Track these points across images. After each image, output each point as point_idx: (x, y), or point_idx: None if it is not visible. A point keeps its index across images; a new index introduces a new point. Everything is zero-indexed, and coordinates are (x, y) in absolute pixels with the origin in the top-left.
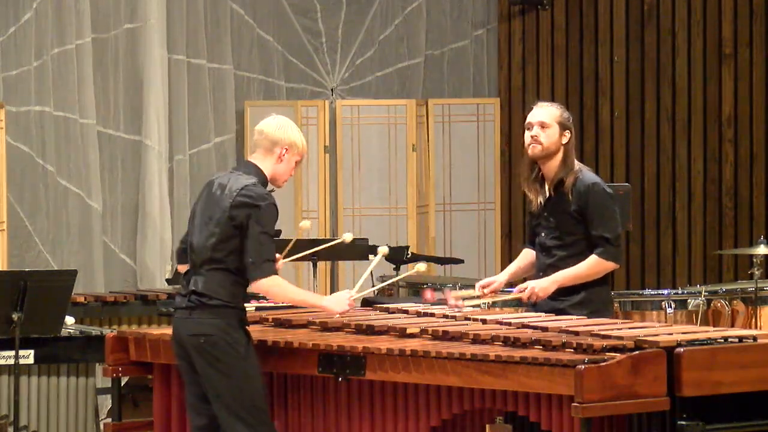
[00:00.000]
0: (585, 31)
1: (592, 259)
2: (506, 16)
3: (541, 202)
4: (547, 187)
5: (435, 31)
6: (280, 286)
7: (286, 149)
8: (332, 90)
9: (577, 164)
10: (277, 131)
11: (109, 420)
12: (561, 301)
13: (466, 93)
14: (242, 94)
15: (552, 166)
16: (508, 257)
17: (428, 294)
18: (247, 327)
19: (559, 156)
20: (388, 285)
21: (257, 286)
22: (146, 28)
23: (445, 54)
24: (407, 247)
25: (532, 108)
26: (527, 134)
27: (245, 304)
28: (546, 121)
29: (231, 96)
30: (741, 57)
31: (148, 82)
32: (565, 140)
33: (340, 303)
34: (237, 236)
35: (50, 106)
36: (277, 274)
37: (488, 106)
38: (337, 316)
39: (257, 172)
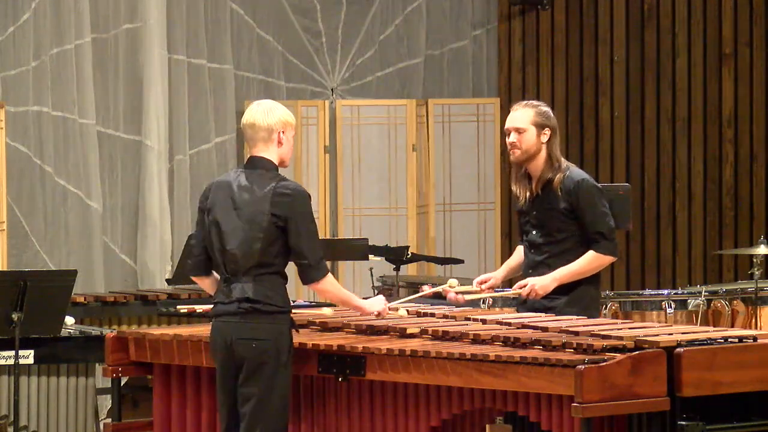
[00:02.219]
0: (585, 31)
1: (590, 254)
2: (506, 16)
3: (528, 198)
4: (533, 185)
5: (435, 31)
6: (334, 285)
7: (283, 131)
8: (332, 90)
9: (564, 161)
10: (268, 118)
11: (109, 420)
12: (551, 299)
13: (466, 93)
14: (242, 94)
15: (537, 165)
16: (508, 257)
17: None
18: (292, 332)
19: (543, 154)
20: (388, 285)
21: (320, 286)
22: (146, 28)
23: (445, 54)
24: (407, 247)
25: (510, 111)
26: (507, 140)
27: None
28: (521, 126)
29: (231, 96)
30: (741, 57)
31: (148, 82)
32: (545, 138)
33: (376, 304)
34: (281, 237)
35: (48, 107)
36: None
37: (488, 106)
38: (375, 313)
39: (272, 165)
